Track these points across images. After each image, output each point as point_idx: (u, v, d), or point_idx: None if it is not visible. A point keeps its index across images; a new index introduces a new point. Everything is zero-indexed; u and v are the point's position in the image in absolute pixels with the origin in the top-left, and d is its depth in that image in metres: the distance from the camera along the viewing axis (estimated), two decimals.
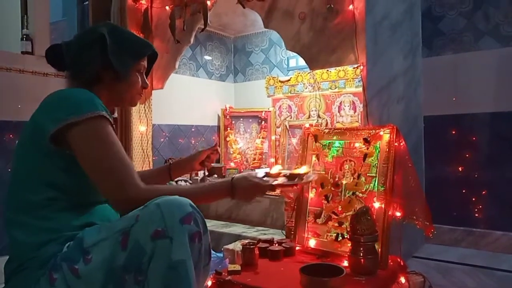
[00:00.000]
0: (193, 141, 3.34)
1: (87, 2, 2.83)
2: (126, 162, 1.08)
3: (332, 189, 1.71)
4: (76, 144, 1.05)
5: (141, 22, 2.60)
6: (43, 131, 1.05)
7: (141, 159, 2.63)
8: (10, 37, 2.59)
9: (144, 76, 1.32)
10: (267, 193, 1.31)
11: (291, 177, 1.36)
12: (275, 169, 1.40)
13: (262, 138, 3.35)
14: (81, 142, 1.05)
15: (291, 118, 3.25)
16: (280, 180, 1.32)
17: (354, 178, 1.66)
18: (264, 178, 1.29)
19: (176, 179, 2.62)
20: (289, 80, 3.23)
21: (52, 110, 1.07)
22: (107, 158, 1.06)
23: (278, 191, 1.63)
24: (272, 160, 3.27)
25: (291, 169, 1.51)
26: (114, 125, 1.14)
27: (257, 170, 1.38)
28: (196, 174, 2.90)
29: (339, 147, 1.74)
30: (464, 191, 2.52)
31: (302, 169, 1.45)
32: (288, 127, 3.18)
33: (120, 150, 1.08)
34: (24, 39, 2.47)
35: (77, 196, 1.10)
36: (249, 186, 1.23)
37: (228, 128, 3.44)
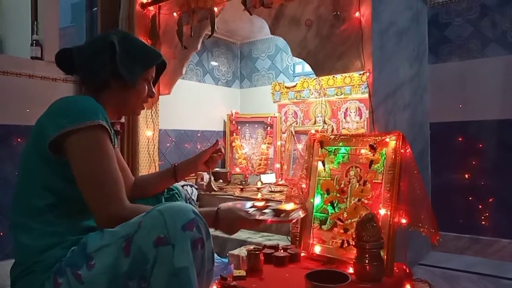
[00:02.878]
0: (199, 146, 3.35)
1: (95, 8, 2.86)
2: (115, 178, 1.07)
3: (338, 195, 1.71)
4: (71, 152, 1.05)
5: (149, 28, 2.63)
6: (44, 137, 1.05)
7: (147, 164, 2.64)
8: (20, 43, 2.63)
9: (151, 86, 1.33)
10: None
11: (277, 212, 1.34)
12: (260, 202, 1.38)
13: (268, 143, 3.36)
14: (76, 150, 1.05)
15: (296, 124, 3.25)
16: (266, 215, 1.30)
17: (360, 185, 1.66)
18: (250, 211, 1.28)
19: (182, 185, 2.63)
20: (295, 86, 3.25)
21: (55, 116, 1.08)
22: (98, 171, 1.06)
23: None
24: (278, 165, 3.27)
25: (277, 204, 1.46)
26: (119, 129, 1.14)
27: (244, 202, 1.36)
28: (202, 179, 2.91)
29: (345, 153, 1.75)
30: (470, 198, 2.50)
31: (289, 206, 1.42)
32: (293, 132, 3.19)
33: (111, 164, 1.08)
34: (34, 44, 2.50)
35: (78, 203, 1.09)
36: (233, 219, 1.23)
37: (234, 134, 3.45)
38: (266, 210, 1.33)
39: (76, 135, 1.04)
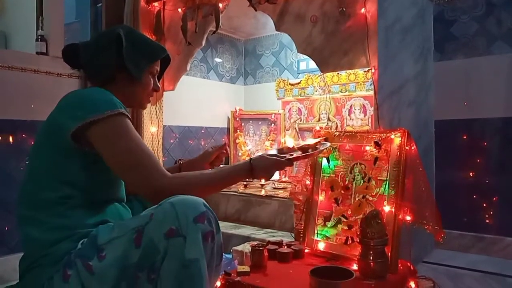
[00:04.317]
0: (202, 143, 3.35)
1: (100, 4, 2.86)
2: (149, 154, 1.10)
3: (342, 192, 1.70)
4: (98, 142, 1.07)
5: (154, 24, 2.63)
6: (62, 130, 1.06)
7: None
8: (25, 38, 2.63)
9: (156, 79, 1.35)
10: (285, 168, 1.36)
11: (305, 149, 1.40)
12: (288, 142, 1.45)
13: (272, 140, 3.35)
14: (103, 139, 1.08)
15: (300, 121, 3.25)
16: (296, 153, 1.37)
17: (364, 182, 1.66)
18: (271, 152, 1.35)
19: None
20: (299, 83, 3.24)
21: (71, 109, 1.09)
22: (131, 152, 1.08)
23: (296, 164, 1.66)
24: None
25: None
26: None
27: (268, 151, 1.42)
28: None
29: (349, 150, 1.74)
30: (474, 196, 2.50)
31: (313, 140, 1.50)
32: (297, 129, 3.19)
33: (142, 143, 1.11)
34: (39, 40, 2.50)
35: (92, 194, 1.12)
36: (267, 164, 1.27)
37: (238, 130, 3.45)
38: (294, 152, 1.39)
39: (98, 126, 1.06)
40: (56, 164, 1.09)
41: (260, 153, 1.36)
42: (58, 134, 1.08)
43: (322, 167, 1.79)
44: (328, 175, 1.77)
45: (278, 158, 1.30)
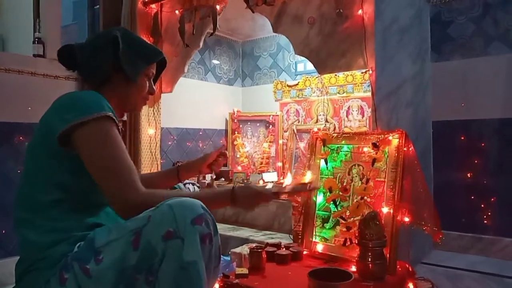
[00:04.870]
0: (200, 145, 3.35)
1: (97, 6, 2.85)
2: (128, 165, 1.08)
3: (340, 193, 1.70)
4: (81, 144, 1.06)
5: (151, 26, 2.63)
6: (52, 132, 1.06)
7: (149, 162, 2.64)
8: (22, 40, 2.63)
9: (152, 83, 1.34)
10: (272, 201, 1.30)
11: (296, 186, 1.37)
12: (287, 178, 1.41)
13: (270, 142, 3.35)
14: (86, 142, 1.06)
15: (298, 122, 3.25)
16: (283, 187, 1.33)
17: (362, 183, 1.66)
18: (267, 187, 1.30)
19: (184, 182, 2.63)
20: (297, 84, 3.24)
21: (61, 112, 1.09)
22: (110, 159, 1.06)
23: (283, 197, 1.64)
24: (279, 164, 3.27)
25: (298, 174, 1.51)
26: (121, 128, 1.15)
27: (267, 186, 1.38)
28: (204, 178, 2.91)
29: (347, 151, 1.74)
30: (472, 197, 2.50)
31: (307, 178, 1.46)
32: (295, 131, 3.19)
33: (123, 152, 1.09)
34: (36, 42, 2.49)
35: (84, 198, 1.11)
36: (250, 194, 1.23)
37: (236, 132, 3.45)
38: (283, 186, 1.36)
39: (84, 128, 1.05)
40: (48, 167, 1.08)
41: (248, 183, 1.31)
42: (48, 136, 1.07)
43: (320, 169, 1.79)
44: (327, 176, 1.77)
45: (262, 190, 1.25)
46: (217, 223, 1.07)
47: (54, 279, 1.00)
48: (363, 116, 2.92)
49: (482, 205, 2.47)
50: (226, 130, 3.54)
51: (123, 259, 0.98)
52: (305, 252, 1.68)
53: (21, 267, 1.07)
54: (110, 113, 1.09)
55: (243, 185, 1.27)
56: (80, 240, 1.05)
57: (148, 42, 1.38)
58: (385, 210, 1.56)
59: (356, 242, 1.45)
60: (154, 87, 1.35)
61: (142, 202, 1.05)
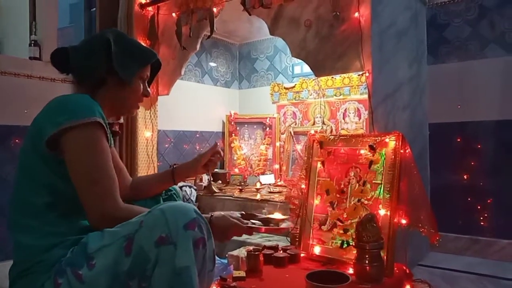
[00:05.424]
0: (197, 147, 3.35)
1: (94, 9, 2.85)
2: (110, 175, 1.07)
3: (337, 196, 1.70)
4: (67, 148, 1.05)
5: (148, 28, 2.63)
6: (41, 135, 1.05)
7: (146, 165, 2.63)
8: (19, 43, 2.62)
9: (146, 85, 1.33)
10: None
11: (266, 221, 1.42)
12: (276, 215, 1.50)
13: (267, 144, 3.35)
14: (71, 147, 1.05)
15: (295, 124, 3.25)
16: (257, 223, 1.37)
17: (359, 185, 1.66)
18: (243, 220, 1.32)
19: (181, 186, 2.63)
20: (293, 86, 3.25)
21: (51, 115, 1.08)
22: (93, 168, 1.05)
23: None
24: (277, 166, 3.27)
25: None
26: (117, 130, 1.14)
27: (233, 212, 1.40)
28: (201, 180, 2.91)
29: (344, 153, 1.74)
30: (469, 199, 2.50)
31: (277, 215, 1.52)
32: (292, 133, 3.19)
33: (107, 161, 1.08)
34: (32, 44, 2.49)
35: (75, 202, 1.08)
36: (227, 226, 1.24)
37: (233, 134, 3.44)
38: (255, 221, 1.39)
39: (72, 132, 1.04)
40: (40, 171, 1.07)
41: (222, 213, 1.31)
42: (38, 139, 1.06)
43: (317, 171, 1.79)
44: (324, 179, 1.77)
45: (238, 223, 1.26)
46: None
47: (49, 284, 1.00)
48: (360, 118, 2.92)
49: (479, 207, 2.47)
50: (223, 133, 3.54)
51: (115, 264, 0.97)
52: (302, 255, 1.68)
53: (16, 270, 1.07)
54: (100, 119, 1.08)
55: (221, 215, 1.26)
56: (74, 244, 1.05)
57: (143, 44, 1.37)
58: (382, 212, 1.56)
59: (353, 244, 1.45)
60: (148, 89, 1.34)
61: (118, 217, 1.04)
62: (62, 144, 1.05)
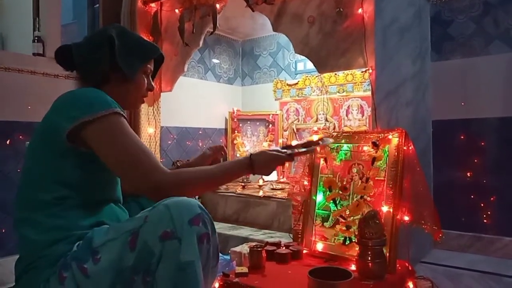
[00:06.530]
0: (200, 144, 3.35)
1: (97, 5, 2.85)
2: (147, 151, 1.09)
3: (340, 192, 1.70)
4: (94, 142, 1.07)
5: (151, 25, 2.62)
6: (58, 130, 1.06)
7: None
8: (22, 39, 2.62)
9: (150, 79, 1.34)
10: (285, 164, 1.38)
11: (307, 144, 1.41)
12: (293, 142, 1.46)
13: (269, 141, 3.35)
14: (100, 139, 1.07)
15: (298, 121, 3.25)
16: (297, 149, 1.36)
17: (362, 182, 1.66)
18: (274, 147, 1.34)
19: None
20: (296, 83, 3.24)
21: (66, 110, 1.09)
22: (128, 150, 1.07)
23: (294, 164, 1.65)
24: None
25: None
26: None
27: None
28: None
29: (347, 150, 1.74)
30: (472, 196, 2.50)
31: (316, 137, 1.52)
32: (295, 130, 3.19)
33: (139, 141, 1.10)
34: (36, 41, 2.49)
35: (88, 195, 1.11)
36: (268, 158, 1.26)
37: (236, 131, 3.44)
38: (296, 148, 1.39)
39: (93, 126, 1.06)
40: (52, 165, 1.08)
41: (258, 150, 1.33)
42: (53, 135, 1.07)
43: (320, 168, 1.79)
44: (326, 175, 1.77)
45: (278, 153, 1.28)
46: (217, 222, 1.07)
47: (54, 278, 1.00)
48: (363, 115, 2.91)
49: (482, 204, 2.47)
50: (226, 129, 3.54)
51: (120, 259, 0.98)
52: (305, 251, 1.68)
53: (21, 265, 1.08)
54: (117, 108, 1.10)
55: (259, 150, 1.29)
56: (79, 239, 1.05)
57: (145, 39, 1.37)
58: (385, 209, 1.55)
59: (356, 241, 1.45)
60: (152, 83, 1.35)
61: (170, 181, 1.07)
62: (84, 138, 1.06)
